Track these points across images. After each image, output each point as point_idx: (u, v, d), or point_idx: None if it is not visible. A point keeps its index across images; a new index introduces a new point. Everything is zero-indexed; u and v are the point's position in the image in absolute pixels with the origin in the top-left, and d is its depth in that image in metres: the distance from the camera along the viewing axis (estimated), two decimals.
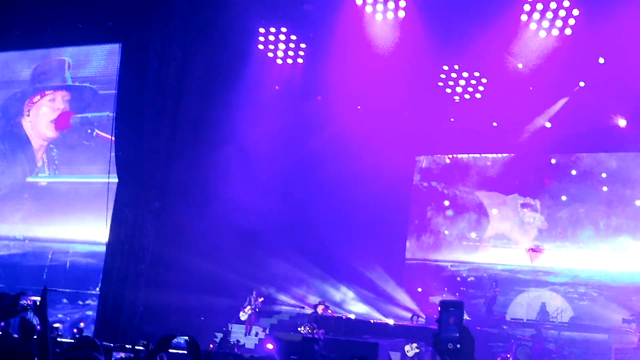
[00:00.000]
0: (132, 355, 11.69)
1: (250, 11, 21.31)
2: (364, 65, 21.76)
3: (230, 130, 22.27)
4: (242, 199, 22.33)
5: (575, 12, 19.68)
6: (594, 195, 23.24)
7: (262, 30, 22.19)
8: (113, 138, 21.35)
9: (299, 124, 23.26)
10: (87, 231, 23.05)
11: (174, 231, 21.22)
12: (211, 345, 19.56)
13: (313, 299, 22.05)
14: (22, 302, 5.51)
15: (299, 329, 18.85)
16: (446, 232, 25.40)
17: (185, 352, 6.72)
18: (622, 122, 21.44)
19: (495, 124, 23.21)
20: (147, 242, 21.03)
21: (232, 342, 19.98)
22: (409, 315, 22.43)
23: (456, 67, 22.39)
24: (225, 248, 22.19)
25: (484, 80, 22.41)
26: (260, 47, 22.36)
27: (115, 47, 22.30)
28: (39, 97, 25.45)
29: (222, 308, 22.48)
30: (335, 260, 23.08)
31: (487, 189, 24.91)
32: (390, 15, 20.76)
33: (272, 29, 22.24)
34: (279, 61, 22.75)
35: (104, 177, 21.20)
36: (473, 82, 22.60)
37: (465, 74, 22.51)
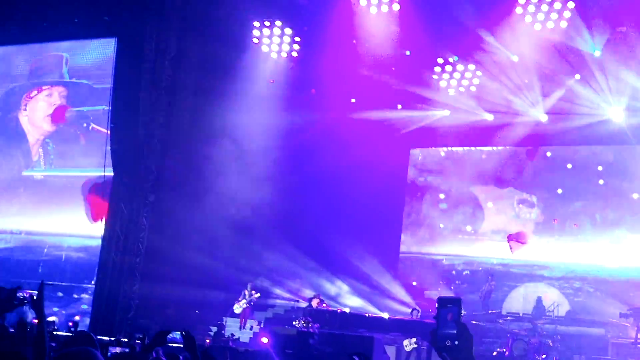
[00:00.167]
0: (127, 350, 11.72)
1: (245, 5, 21.28)
2: (359, 58, 21.75)
3: (225, 124, 22.27)
4: (237, 193, 22.33)
5: (571, 4, 19.65)
6: (590, 188, 23.19)
7: (256, 24, 22.16)
8: (108, 132, 21.33)
9: (294, 117, 23.24)
10: (82, 225, 23.02)
11: (169, 224, 21.24)
12: (207, 340, 19.56)
13: (308, 293, 22.05)
14: (18, 296, 5.50)
15: (293, 322, 18.84)
16: (441, 225, 25.39)
17: (181, 345, 6.71)
18: (618, 115, 21.43)
19: (490, 117, 23.19)
20: (142, 236, 21.05)
21: (226, 336, 19.98)
22: (404, 309, 22.43)
23: (451, 59, 22.35)
24: (220, 241, 22.21)
25: (478, 73, 22.38)
26: (255, 40, 22.33)
27: (111, 42, 22.25)
28: (36, 91, 25.40)
29: (217, 302, 22.50)
30: (330, 254, 23.08)
31: (482, 182, 24.89)
32: (384, 8, 20.73)
33: (267, 23, 22.20)
34: (274, 55, 22.72)
35: (100, 171, 21.17)
36: (468, 74, 22.57)
37: (460, 67, 22.48)
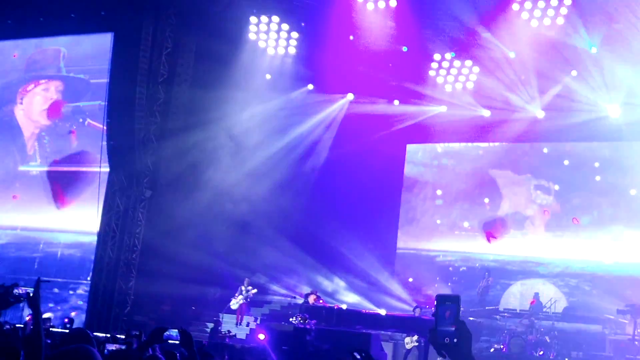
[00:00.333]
0: (124, 347, 11.66)
1: (242, 0, 21.24)
2: (356, 54, 21.73)
3: (222, 119, 22.24)
4: (234, 188, 22.32)
5: (567, 1, 19.65)
6: (587, 184, 23.22)
7: (254, 19, 22.11)
8: (104, 127, 21.29)
9: (290, 113, 23.25)
10: (78, 221, 22.98)
11: (165, 220, 21.22)
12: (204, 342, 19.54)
13: (305, 289, 22.04)
14: (15, 293, 5.47)
15: (290, 319, 18.83)
16: (438, 221, 25.39)
17: (177, 342, 6.68)
18: (614, 112, 21.43)
19: (487, 114, 23.18)
20: (138, 232, 21.03)
21: (223, 332, 19.96)
22: (401, 305, 22.45)
23: (448, 55, 22.33)
24: (216, 237, 22.20)
25: (475, 69, 22.37)
26: (252, 36, 22.29)
27: (108, 36, 22.21)
28: (32, 85, 25.32)
29: (213, 298, 22.49)
30: (326, 250, 23.07)
31: (479, 178, 24.89)
32: (381, 4, 20.70)
33: (264, 18, 22.15)
34: (271, 50, 22.68)
35: (95, 167, 21.15)
36: (465, 71, 22.56)
37: (457, 63, 22.47)
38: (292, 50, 22.71)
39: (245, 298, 21.34)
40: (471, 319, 19.79)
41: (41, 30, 23.72)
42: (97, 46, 23.92)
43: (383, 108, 23.57)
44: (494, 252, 24.22)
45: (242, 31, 22.03)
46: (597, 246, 22.52)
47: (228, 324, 21.01)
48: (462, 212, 25.05)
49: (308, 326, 17.91)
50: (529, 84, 21.90)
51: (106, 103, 20.97)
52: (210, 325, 20.89)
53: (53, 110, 24.85)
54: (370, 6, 20.81)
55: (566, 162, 23.74)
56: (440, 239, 25.10)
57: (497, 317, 20.74)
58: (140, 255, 20.96)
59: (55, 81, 25.07)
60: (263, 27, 22.28)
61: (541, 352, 18.64)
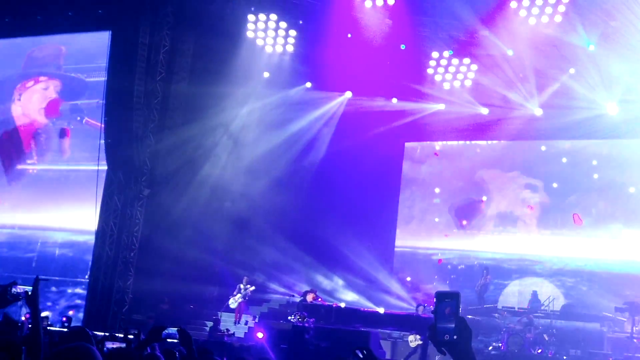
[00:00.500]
0: (124, 345, 11.65)
1: None
2: (354, 52, 21.72)
3: (220, 117, 22.24)
4: (232, 186, 22.30)
5: None
6: (585, 182, 23.23)
7: (251, 17, 22.10)
8: (102, 125, 21.27)
9: (288, 111, 23.26)
10: (76, 219, 22.96)
11: (163, 218, 21.20)
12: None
13: (303, 287, 22.03)
14: (13, 292, 5.46)
15: (289, 317, 18.82)
16: (436, 219, 25.41)
17: (176, 340, 6.68)
18: (612, 109, 21.44)
19: (485, 111, 23.19)
20: (137, 230, 21.02)
21: (222, 331, 19.96)
22: (400, 303, 22.47)
23: (446, 53, 22.34)
24: (214, 235, 22.19)
25: (473, 67, 22.38)
26: (250, 34, 22.27)
27: (105, 35, 22.18)
28: (32, 82, 25.24)
29: (212, 296, 22.48)
30: (325, 248, 23.07)
31: (477, 176, 24.91)
32: (379, 2, 20.70)
33: (262, 16, 22.14)
34: (269, 48, 22.66)
35: (93, 165, 21.12)
36: (463, 69, 22.57)
37: (455, 61, 22.48)
38: (290, 48, 22.70)
39: (244, 296, 21.33)
40: (470, 317, 19.78)
41: (39, 28, 23.68)
42: (95, 44, 23.88)
43: (381, 106, 23.57)
44: (492, 250, 24.24)
45: (240, 29, 22.01)
46: (595, 244, 22.53)
47: (226, 322, 21.01)
48: (460, 210, 25.04)
49: (307, 324, 17.90)
50: (527, 81, 21.91)
51: (104, 101, 20.94)
52: (209, 323, 20.90)
53: (51, 108, 24.82)
54: (368, 4, 20.81)
55: (564, 160, 23.76)
56: (439, 237, 25.10)
57: (496, 315, 20.71)
58: (139, 254, 20.94)
59: (55, 80, 25.03)
60: (261, 25, 22.26)
61: (539, 350, 18.63)
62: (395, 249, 25.37)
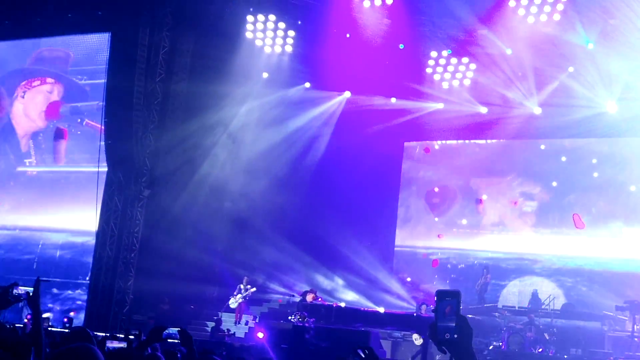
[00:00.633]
0: (125, 344, 11.66)
1: None
2: (352, 52, 21.73)
3: (219, 117, 22.25)
4: (232, 186, 22.31)
5: None
6: (585, 181, 23.22)
7: (250, 18, 22.11)
8: (103, 127, 21.27)
9: (288, 111, 23.27)
10: (76, 220, 22.96)
11: (163, 219, 21.21)
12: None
13: (304, 287, 22.04)
14: (14, 293, 5.46)
15: (289, 317, 18.83)
16: (436, 219, 25.41)
17: (177, 340, 6.68)
18: (612, 108, 21.44)
19: (484, 110, 23.19)
20: (137, 231, 21.01)
21: (223, 331, 19.96)
22: (400, 302, 22.48)
23: (444, 53, 22.35)
24: (215, 235, 22.20)
25: (472, 67, 22.39)
26: (249, 34, 22.29)
27: (105, 36, 22.18)
28: (38, 82, 25.15)
29: (212, 296, 22.48)
30: (325, 248, 23.09)
31: (476, 175, 24.91)
32: (378, 1, 20.71)
33: (261, 17, 22.16)
34: (268, 49, 22.68)
35: (93, 166, 21.12)
36: (462, 68, 22.58)
37: (453, 60, 22.49)
38: (288, 49, 22.72)
39: (245, 297, 21.33)
40: (470, 316, 19.78)
41: (38, 30, 23.66)
42: (95, 46, 23.89)
43: (380, 105, 23.57)
44: (492, 250, 24.24)
45: (239, 30, 22.03)
46: (595, 243, 22.52)
47: (227, 322, 21.02)
48: (460, 209, 25.06)
49: (307, 324, 17.91)
50: (526, 80, 21.91)
51: (104, 103, 20.94)
52: (210, 324, 20.91)
53: (51, 110, 24.79)
54: (366, 3, 20.83)
55: (563, 159, 23.76)
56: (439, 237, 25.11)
57: (496, 314, 20.71)
58: (139, 254, 20.95)
59: (60, 85, 24.97)
60: (260, 25, 22.29)
61: (540, 350, 18.63)
62: (395, 249, 25.39)
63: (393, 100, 23.66)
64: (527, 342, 18.80)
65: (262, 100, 23.05)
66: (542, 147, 24.28)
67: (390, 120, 23.79)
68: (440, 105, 23.49)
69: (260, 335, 18.29)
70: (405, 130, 24.78)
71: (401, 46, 21.88)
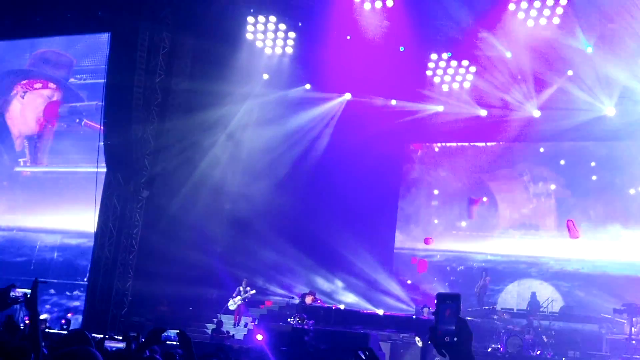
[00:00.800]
0: (124, 345, 11.63)
1: (239, 0, 21.25)
2: (353, 54, 21.74)
3: (219, 119, 22.25)
4: (231, 188, 22.30)
5: (563, 1, 19.71)
6: (584, 184, 23.26)
7: (251, 19, 22.13)
8: (102, 127, 21.25)
9: (288, 113, 23.28)
10: (74, 222, 22.93)
11: (162, 220, 21.17)
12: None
13: (303, 289, 22.03)
14: (12, 295, 5.44)
15: (288, 319, 18.82)
16: (435, 221, 25.42)
17: (176, 343, 6.67)
18: (610, 111, 21.48)
19: (483, 113, 23.21)
20: (136, 232, 20.99)
21: (224, 333, 19.94)
22: (399, 304, 22.47)
23: (444, 55, 22.37)
24: (214, 237, 22.18)
25: (472, 69, 22.42)
26: (249, 36, 22.30)
27: (105, 36, 22.17)
28: (40, 85, 25.07)
29: (211, 298, 22.46)
30: (324, 250, 23.07)
31: (476, 177, 24.92)
32: (378, 4, 20.75)
33: (261, 18, 22.17)
34: (268, 50, 22.69)
35: (92, 167, 21.08)
36: (461, 70, 22.61)
37: (453, 63, 22.51)
38: (289, 50, 22.74)
39: (244, 299, 21.32)
40: (469, 318, 19.78)
41: (37, 30, 23.64)
42: (94, 46, 23.87)
43: (380, 108, 23.58)
44: (491, 252, 24.26)
45: (240, 31, 22.04)
46: (594, 246, 22.55)
47: (226, 324, 20.99)
48: (459, 212, 25.06)
49: (306, 326, 17.91)
50: (525, 83, 21.94)
51: (103, 103, 20.91)
52: (210, 325, 20.88)
53: (50, 110, 24.74)
54: (367, 6, 20.86)
55: (562, 162, 23.78)
56: (438, 239, 25.10)
57: (495, 316, 20.74)
58: (138, 256, 20.91)
59: (60, 91, 24.90)
60: (260, 27, 22.31)
61: (538, 352, 18.66)
62: (395, 251, 25.39)
63: (393, 102, 23.68)
64: (526, 344, 18.82)
65: (262, 102, 23.05)
66: (542, 150, 24.30)
67: (390, 123, 23.78)
68: (440, 108, 23.51)
69: (260, 337, 18.28)
70: (405, 133, 24.80)
71: (401, 48, 21.89)
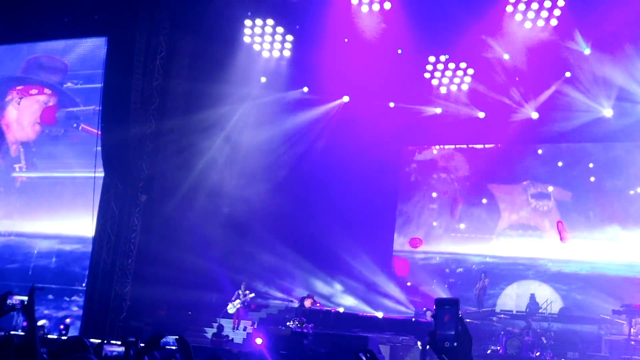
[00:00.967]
0: (123, 350, 11.59)
1: (237, 3, 21.26)
2: (351, 56, 21.76)
3: (217, 122, 22.22)
4: (230, 192, 22.27)
5: (560, 2, 19.77)
6: (582, 185, 23.28)
7: (248, 22, 22.13)
8: (99, 132, 21.21)
9: (286, 116, 23.28)
10: (72, 227, 22.86)
11: (161, 225, 21.13)
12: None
13: (302, 293, 22.01)
14: (9, 303, 5.40)
15: (288, 323, 18.80)
16: (434, 223, 25.42)
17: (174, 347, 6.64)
18: (608, 112, 21.52)
19: (481, 115, 23.22)
20: (134, 237, 20.92)
21: (225, 337, 19.90)
22: (399, 307, 22.46)
23: (442, 58, 22.39)
24: (213, 241, 22.12)
25: (470, 72, 22.45)
26: (247, 39, 22.30)
27: (102, 41, 22.13)
28: (36, 91, 25.00)
29: (210, 302, 22.42)
30: (323, 253, 23.07)
31: (474, 179, 24.92)
32: (376, 7, 20.79)
33: (259, 22, 22.18)
34: (266, 53, 22.70)
35: (89, 171, 21.03)
36: (459, 73, 22.64)
37: (451, 65, 22.53)
38: (286, 53, 22.76)
39: (243, 302, 21.28)
40: (468, 320, 19.77)
41: (34, 34, 23.59)
42: (91, 50, 23.82)
43: (378, 110, 23.59)
44: (490, 254, 24.26)
45: (237, 34, 22.05)
46: (592, 247, 22.57)
47: (225, 328, 20.95)
48: (458, 214, 25.05)
49: (305, 330, 17.89)
50: (523, 85, 21.96)
51: (100, 107, 20.87)
52: (209, 329, 20.83)
53: (47, 115, 24.68)
54: (364, 9, 20.88)
55: (560, 164, 23.79)
56: (437, 241, 25.12)
57: (494, 318, 20.74)
58: (136, 260, 20.85)
59: (55, 97, 24.85)
60: (258, 30, 22.32)
61: (538, 353, 18.65)
62: (394, 253, 25.39)
63: (391, 105, 23.69)
64: (525, 346, 18.81)
65: (259, 105, 23.04)
66: (540, 151, 24.31)
67: (388, 125, 23.80)
68: (438, 110, 23.53)
69: (259, 341, 18.25)
70: (404, 135, 24.82)
71: (399, 51, 21.91)
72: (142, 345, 6.20)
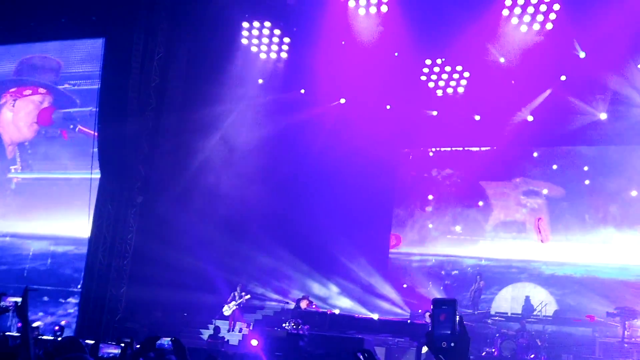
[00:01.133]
0: (119, 351, 11.59)
1: (234, 6, 21.27)
2: (347, 59, 21.80)
3: (214, 124, 22.22)
4: (227, 193, 22.26)
5: (556, 6, 19.84)
6: (577, 188, 23.34)
7: (246, 24, 22.16)
8: (96, 133, 21.18)
9: (283, 118, 23.28)
10: (68, 228, 22.83)
11: (157, 226, 21.09)
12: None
13: (298, 294, 22.00)
14: (2, 304, 5.42)
15: (283, 324, 18.78)
16: (430, 225, 25.45)
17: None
18: (602, 115, 21.59)
19: (477, 118, 23.27)
20: (130, 238, 20.89)
21: (221, 338, 19.89)
22: (395, 309, 22.47)
23: (439, 61, 22.44)
24: (209, 242, 22.09)
25: (466, 75, 22.50)
26: (244, 41, 22.33)
27: (99, 42, 22.12)
28: (30, 91, 24.97)
29: (206, 304, 22.39)
30: (319, 254, 23.08)
31: (470, 182, 24.96)
32: (373, 9, 20.83)
33: (256, 24, 22.22)
34: (263, 55, 22.72)
35: (85, 173, 21.02)
36: (455, 76, 22.70)
37: (447, 68, 22.59)
38: (284, 55, 22.78)
39: (239, 304, 21.27)
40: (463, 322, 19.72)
41: (31, 35, 23.57)
42: (89, 51, 23.81)
43: (375, 113, 23.62)
44: (485, 256, 24.30)
45: (235, 36, 22.06)
46: (587, 249, 22.63)
47: (221, 330, 20.93)
48: (453, 216, 25.10)
49: (301, 331, 17.87)
50: (519, 88, 22.00)
51: (97, 109, 20.85)
52: (204, 331, 20.81)
53: (43, 116, 24.66)
54: (361, 11, 20.92)
55: (555, 167, 23.85)
56: (433, 243, 25.15)
57: (489, 320, 20.78)
58: (132, 262, 20.82)
59: (50, 95, 24.84)
60: (255, 32, 22.34)
61: (532, 356, 18.70)
62: (390, 255, 25.41)
63: (388, 107, 23.72)
64: (520, 348, 18.86)
65: (257, 107, 23.05)
66: (535, 154, 24.37)
67: (384, 127, 23.83)
68: (434, 113, 23.57)
69: (255, 342, 18.23)
70: (400, 137, 24.85)
71: (396, 54, 21.94)
72: (137, 346, 6.21)
